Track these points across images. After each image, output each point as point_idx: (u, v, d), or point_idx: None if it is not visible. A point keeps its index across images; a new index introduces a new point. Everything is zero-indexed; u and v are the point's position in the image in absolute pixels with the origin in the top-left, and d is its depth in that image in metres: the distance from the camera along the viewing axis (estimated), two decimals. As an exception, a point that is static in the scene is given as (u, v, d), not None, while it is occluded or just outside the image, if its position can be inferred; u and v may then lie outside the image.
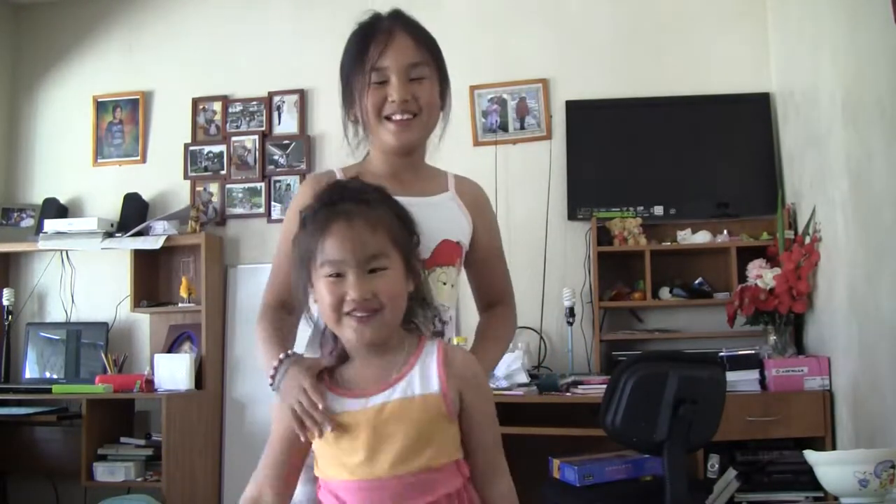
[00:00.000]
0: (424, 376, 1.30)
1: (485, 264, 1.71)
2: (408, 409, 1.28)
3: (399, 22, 1.59)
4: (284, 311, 1.58)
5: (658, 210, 3.88)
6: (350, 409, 1.30)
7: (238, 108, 4.50)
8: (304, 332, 1.59)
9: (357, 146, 1.68)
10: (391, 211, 1.35)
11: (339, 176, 1.60)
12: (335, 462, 1.29)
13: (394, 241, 1.32)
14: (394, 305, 1.30)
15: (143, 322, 4.40)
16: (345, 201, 1.33)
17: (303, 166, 4.34)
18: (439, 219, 1.58)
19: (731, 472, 3.18)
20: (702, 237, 3.77)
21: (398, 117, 1.55)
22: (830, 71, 3.16)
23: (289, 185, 4.37)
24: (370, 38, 1.57)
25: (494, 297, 1.73)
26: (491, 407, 1.36)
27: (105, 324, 4.35)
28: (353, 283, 1.28)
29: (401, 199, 1.47)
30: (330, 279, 1.29)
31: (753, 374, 3.35)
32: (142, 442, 3.92)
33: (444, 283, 1.56)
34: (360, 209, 1.31)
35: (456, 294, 1.61)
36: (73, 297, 4.51)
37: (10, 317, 4.48)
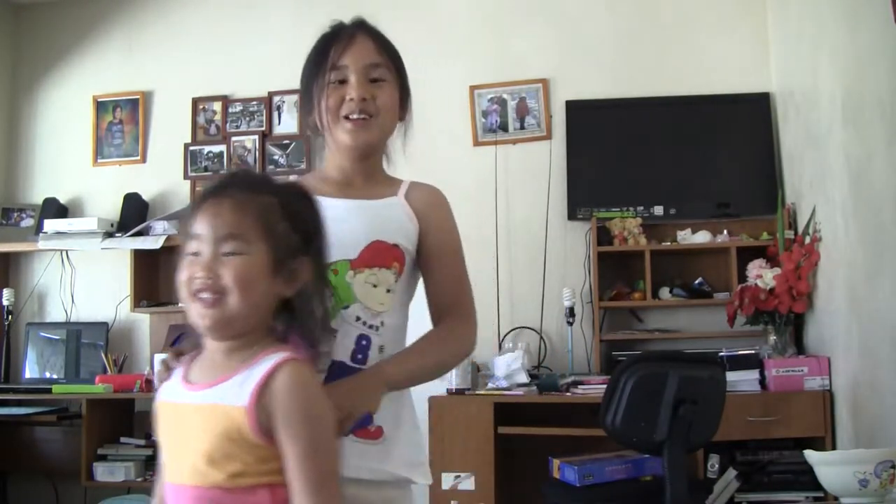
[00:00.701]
0: (241, 387, 1.18)
1: (431, 268, 1.60)
2: (212, 415, 1.18)
3: (362, 28, 1.63)
4: None
5: (658, 210, 3.88)
6: (171, 400, 1.25)
7: (238, 108, 4.50)
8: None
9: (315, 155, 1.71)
10: (280, 203, 1.26)
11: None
12: None
13: (264, 230, 1.22)
14: (243, 295, 1.19)
15: (143, 322, 4.40)
16: (229, 185, 1.26)
17: (303, 166, 4.34)
18: (375, 220, 1.55)
19: (731, 472, 3.18)
20: (702, 237, 3.77)
21: (355, 116, 1.54)
22: (830, 71, 3.16)
23: (289, 185, 4.37)
24: (331, 42, 1.60)
25: (442, 306, 1.60)
26: (302, 447, 1.15)
27: (105, 324, 4.35)
28: (203, 261, 1.20)
29: (339, 201, 1.53)
30: (188, 257, 1.22)
31: (753, 374, 3.35)
32: (142, 442, 3.92)
33: (375, 286, 1.50)
34: (236, 192, 1.24)
35: (394, 300, 1.52)
36: (73, 297, 4.51)
37: (10, 317, 4.48)
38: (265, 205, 1.23)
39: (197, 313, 1.22)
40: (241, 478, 1.15)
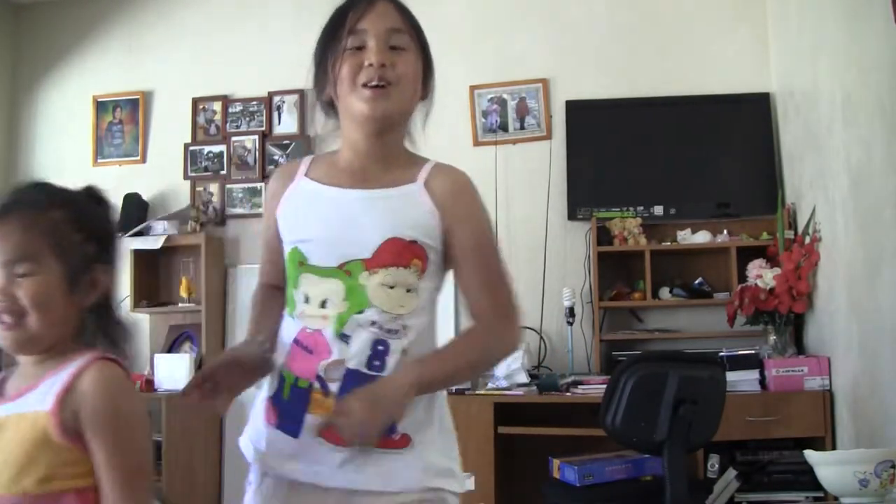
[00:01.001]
0: (47, 392, 1.18)
1: (460, 266, 1.47)
2: (18, 424, 1.18)
3: None
4: (273, 288, 1.55)
5: (658, 210, 3.88)
6: None
7: (238, 108, 4.50)
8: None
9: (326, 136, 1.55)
10: (71, 216, 1.26)
11: (304, 165, 1.51)
12: None
13: (53, 246, 1.21)
14: (41, 315, 1.19)
15: (143, 322, 4.40)
16: (14, 204, 1.25)
17: (303, 166, 4.34)
18: (389, 214, 1.41)
19: (731, 472, 3.18)
20: (702, 237, 3.77)
21: (374, 83, 1.40)
22: (830, 71, 3.16)
23: (289, 185, 4.37)
24: (349, 8, 1.47)
25: (477, 306, 1.46)
26: (109, 445, 1.17)
27: (105, 324, 4.34)
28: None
29: (349, 192, 1.43)
30: None
31: (753, 374, 3.35)
32: (142, 442, 3.91)
33: (392, 287, 1.38)
34: (20, 210, 1.23)
35: (417, 300, 1.41)
36: (73, 297, 4.51)
37: (10, 317, 4.48)
38: (54, 221, 1.23)
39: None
40: (48, 483, 1.15)
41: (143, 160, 4.60)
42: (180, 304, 4.26)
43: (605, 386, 2.73)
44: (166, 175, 4.52)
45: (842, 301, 3.09)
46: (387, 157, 1.47)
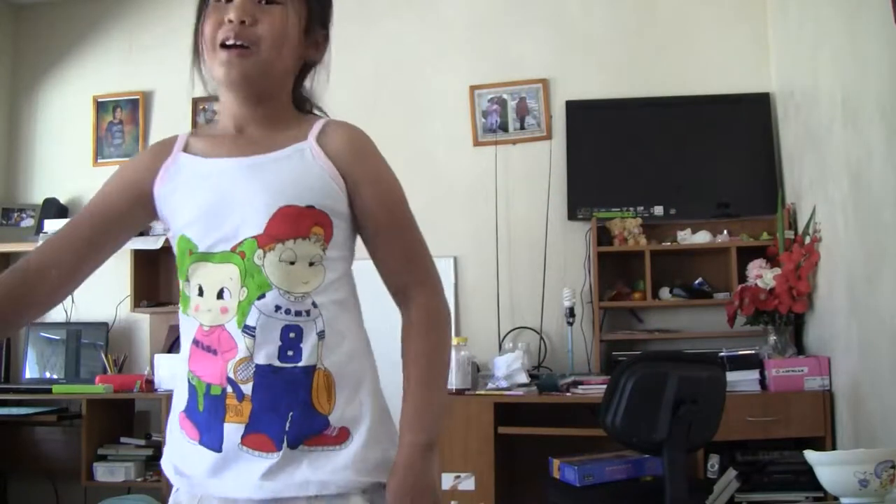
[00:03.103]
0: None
1: (371, 236, 1.30)
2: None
3: None
4: (30, 268, 1.27)
5: (658, 210, 3.88)
6: None
7: (238, 108, 4.49)
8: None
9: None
10: None
11: (180, 142, 1.34)
12: None
13: None
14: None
15: (143, 322, 4.40)
16: None
17: (303, 166, 4.34)
18: (276, 179, 1.24)
19: (731, 472, 3.18)
20: (702, 237, 3.77)
21: (229, 43, 1.25)
22: (830, 71, 3.16)
23: (289, 185, 4.37)
24: None
25: (397, 285, 1.31)
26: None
27: (105, 324, 4.35)
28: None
29: (228, 162, 1.27)
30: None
31: (753, 374, 3.35)
32: (142, 442, 3.92)
33: (293, 263, 1.21)
34: None
35: (324, 273, 1.24)
36: (73, 297, 4.51)
37: (10, 317, 4.48)
38: None
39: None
40: None
41: (143, 160, 4.59)
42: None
43: (605, 386, 2.73)
44: (166, 175, 4.52)
45: (842, 301, 3.09)
46: (269, 120, 1.31)
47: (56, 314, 4.53)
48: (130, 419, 4.16)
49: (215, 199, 1.25)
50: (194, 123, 4.52)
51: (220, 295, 1.23)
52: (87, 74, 4.72)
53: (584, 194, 3.96)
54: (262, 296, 1.21)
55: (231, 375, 1.21)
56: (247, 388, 1.21)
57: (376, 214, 1.29)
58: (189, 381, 1.26)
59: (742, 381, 3.32)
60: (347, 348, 1.26)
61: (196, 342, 1.25)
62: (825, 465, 1.94)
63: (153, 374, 3.99)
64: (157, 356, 4.06)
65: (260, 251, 1.21)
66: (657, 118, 3.98)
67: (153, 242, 4.19)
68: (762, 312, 3.45)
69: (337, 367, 1.24)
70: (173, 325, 4.31)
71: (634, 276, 3.84)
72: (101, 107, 4.68)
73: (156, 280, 4.41)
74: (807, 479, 2.99)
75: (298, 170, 1.26)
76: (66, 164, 4.68)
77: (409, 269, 1.31)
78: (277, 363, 1.21)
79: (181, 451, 1.27)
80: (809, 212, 3.42)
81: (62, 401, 3.97)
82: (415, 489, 1.21)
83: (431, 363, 1.30)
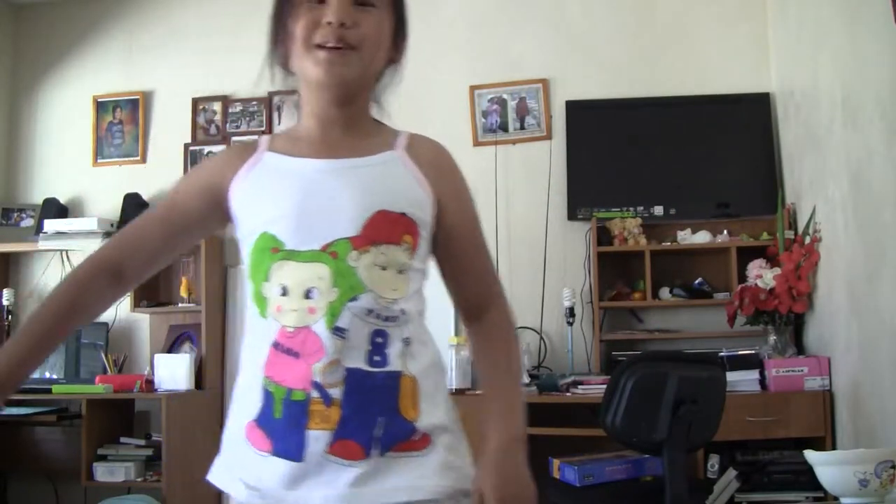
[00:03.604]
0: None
1: (454, 251, 1.31)
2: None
3: None
4: (113, 278, 1.30)
5: (658, 210, 3.88)
6: None
7: (238, 108, 4.50)
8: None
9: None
10: None
11: (263, 143, 1.32)
12: None
13: None
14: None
15: (143, 322, 4.40)
16: None
17: (303, 166, 4.34)
18: (373, 183, 1.24)
19: (731, 472, 3.18)
20: (702, 237, 3.77)
21: (331, 45, 1.22)
22: (830, 71, 3.16)
23: (289, 185, 4.37)
24: None
25: (475, 299, 1.34)
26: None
27: (105, 324, 4.34)
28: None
29: (321, 163, 1.25)
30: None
31: (753, 374, 3.35)
32: (142, 442, 3.92)
33: (384, 269, 1.21)
34: None
35: (408, 282, 1.24)
36: (73, 297, 4.51)
37: (9, 317, 4.48)
38: None
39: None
40: None
41: (143, 160, 4.59)
42: (180, 304, 4.26)
43: (605, 386, 2.73)
44: (166, 175, 4.51)
45: (842, 301, 3.09)
46: (353, 125, 1.30)
47: (56, 314, 4.53)
48: (130, 419, 4.16)
49: (306, 198, 1.23)
50: (194, 123, 4.52)
51: (307, 294, 1.19)
52: (87, 74, 4.72)
53: (583, 194, 3.96)
54: (355, 298, 1.18)
55: (318, 379, 1.17)
56: (335, 393, 1.17)
57: (461, 230, 1.31)
58: (264, 388, 1.20)
59: (742, 381, 3.32)
60: (428, 357, 1.26)
61: (277, 345, 1.20)
62: (825, 465, 1.94)
63: (153, 374, 3.99)
64: (157, 356, 4.06)
65: (354, 253, 1.19)
66: (657, 118, 3.98)
67: (153, 242, 4.19)
68: (762, 312, 3.45)
69: (420, 374, 1.23)
70: (173, 324, 4.31)
71: (634, 276, 3.84)
72: (101, 107, 4.68)
73: (155, 280, 4.41)
74: (807, 479, 2.99)
75: (394, 177, 1.26)
76: (66, 164, 4.67)
77: (487, 284, 1.35)
78: (366, 367, 1.18)
79: (245, 463, 1.22)
80: (809, 212, 3.42)
81: (62, 401, 3.96)
82: (517, 481, 1.21)
83: (515, 366, 1.34)
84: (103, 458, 3.85)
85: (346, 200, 1.21)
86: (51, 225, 4.29)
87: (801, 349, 3.52)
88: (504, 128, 4.19)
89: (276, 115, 4.44)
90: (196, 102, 4.55)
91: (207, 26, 4.60)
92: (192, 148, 4.52)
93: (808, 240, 3.39)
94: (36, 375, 4.30)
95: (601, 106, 4.04)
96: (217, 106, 4.52)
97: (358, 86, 1.29)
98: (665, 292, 3.80)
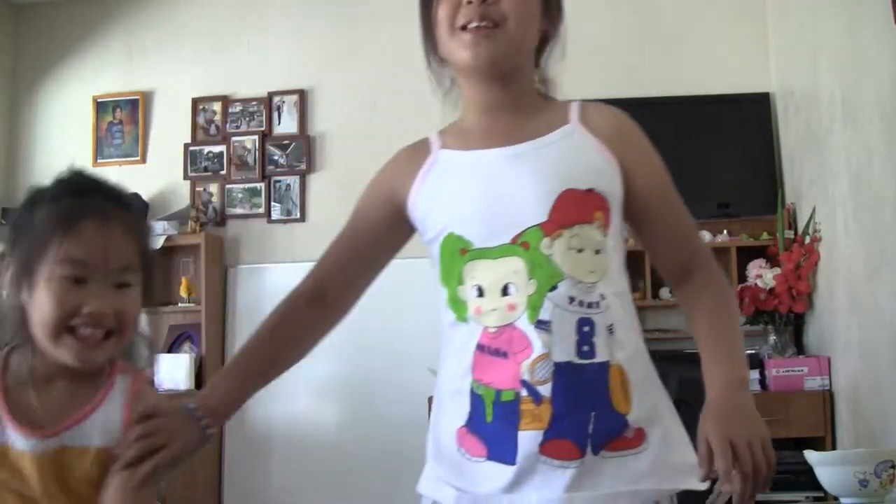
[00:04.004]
0: (107, 421, 1.09)
1: (651, 216, 1.23)
2: (81, 459, 1.07)
3: None
4: (313, 303, 1.31)
5: (658, 210, 3.88)
6: (16, 447, 1.06)
7: (238, 108, 4.49)
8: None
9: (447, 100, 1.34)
10: (142, 223, 1.23)
11: (435, 141, 1.28)
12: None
13: (142, 256, 1.13)
14: (131, 331, 1.14)
15: (143, 322, 4.39)
16: (99, 195, 1.13)
17: (303, 166, 4.34)
18: (555, 162, 1.17)
19: (731, 472, 3.18)
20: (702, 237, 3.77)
21: (474, 24, 1.17)
22: (830, 71, 3.16)
23: (289, 185, 4.37)
24: None
25: (680, 262, 1.25)
26: None
27: (105, 324, 4.34)
28: (97, 293, 1.07)
29: (496, 152, 1.19)
30: (64, 282, 1.06)
31: (753, 374, 3.35)
32: (142, 442, 3.92)
33: (581, 251, 1.13)
34: (117, 210, 1.12)
35: (606, 262, 1.16)
36: (73, 297, 4.51)
37: (10, 317, 4.48)
38: (142, 229, 1.20)
39: (74, 352, 1.08)
40: None
41: (143, 160, 4.59)
42: (180, 304, 4.26)
43: (605, 386, 2.73)
44: (166, 175, 4.52)
45: (842, 301, 3.09)
46: (520, 106, 1.24)
47: (56, 314, 4.53)
48: (130, 419, 4.15)
49: (488, 192, 1.18)
50: (194, 123, 4.52)
51: (504, 291, 1.13)
52: (87, 74, 4.71)
53: (584, 194, 3.95)
54: (555, 287, 1.12)
55: (526, 377, 1.11)
56: (545, 390, 1.11)
57: (653, 194, 1.23)
58: (473, 392, 1.15)
59: (742, 381, 3.31)
60: (635, 343, 1.21)
61: (481, 347, 1.14)
62: (825, 465, 1.94)
63: (153, 374, 3.99)
64: (157, 356, 4.06)
65: (546, 240, 1.13)
66: (657, 118, 3.95)
67: (153, 242, 4.19)
68: (762, 312, 3.45)
69: (628, 362, 1.17)
70: (173, 324, 4.31)
71: (634, 276, 3.81)
72: (101, 107, 4.68)
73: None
74: (807, 479, 2.97)
75: (573, 152, 1.19)
76: (66, 164, 4.66)
77: (688, 245, 1.27)
78: (576, 360, 1.12)
79: (460, 472, 1.17)
80: (809, 212, 3.42)
81: (62, 401, 3.96)
82: (743, 420, 1.11)
83: (733, 315, 1.27)
84: None
85: (529, 186, 1.15)
86: (51, 225, 4.29)
87: (801, 349, 3.52)
88: (504, 128, 4.18)
89: (275, 114, 4.44)
90: (196, 102, 4.54)
91: (207, 26, 4.60)
92: (191, 148, 4.52)
93: (808, 240, 3.39)
94: (36, 375, 4.30)
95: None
96: (217, 106, 4.52)
97: (511, 65, 1.22)
98: (665, 292, 3.79)
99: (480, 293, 1.15)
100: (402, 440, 3.73)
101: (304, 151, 4.37)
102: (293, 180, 4.36)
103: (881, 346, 2.75)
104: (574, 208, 1.14)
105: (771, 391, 3.29)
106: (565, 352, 1.11)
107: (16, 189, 4.75)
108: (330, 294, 1.32)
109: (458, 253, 1.17)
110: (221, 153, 4.48)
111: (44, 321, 1.06)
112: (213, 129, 4.52)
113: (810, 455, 2.02)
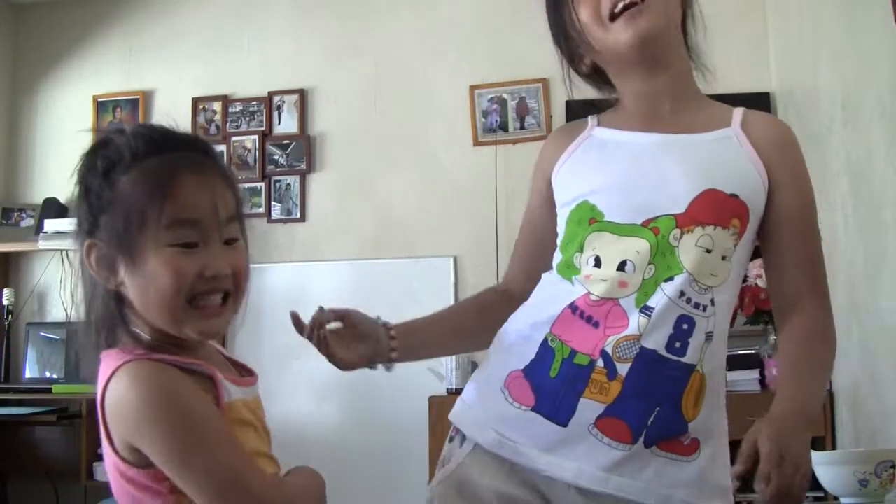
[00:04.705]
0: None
1: (780, 238, 1.21)
2: (260, 401, 1.15)
3: None
4: (503, 294, 1.34)
5: (658, 210, 3.88)
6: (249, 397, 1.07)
7: (238, 108, 4.49)
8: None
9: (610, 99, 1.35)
10: (231, 168, 1.15)
11: (593, 120, 1.31)
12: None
13: (239, 206, 1.06)
14: (244, 291, 1.05)
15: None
16: (183, 146, 1.01)
17: (303, 166, 4.34)
18: (704, 161, 1.17)
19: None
20: (702, 237, 3.77)
21: (620, 7, 1.18)
22: (830, 71, 3.16)
23: (289, 184, 4.37)
24: None
25: (790, 291, 1.23)
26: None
27: (105, 324, 4.34)
28: (213, 254, 0.97)
29: (649, 136, 1.21)
30: (176, 248, 0.96)
31: (753, 374, 3.35)
32: (142, 442, 3.92)
33: (709, 252, 1.13)
34: (208, 159, 1.03)
35: (729, 270, 1.16)
36: (73, 296, 4.48)
37: (10, 317, 4.48)
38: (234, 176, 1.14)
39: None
40: None
41: (143, 160, 4.60)
42: None
43: (605, 386, 2.73)
44: (166, 175, 4.52)
45: (842, 301, 3.08)
46: (679, 95, 1.25)
47: (56, 314, 4.53)
48: (130, 419, 4.15)
49: (633, 171, 1.19)
50: (194, 123, 4.52)
51: (621, 267, 1.15)
52: (87, 74, 4.72)
53: (584, 194, 3.95)
54: (671, 278, 1.13)
55: (608, 350, 1.12)
56: (622, 369, 1.12)
57: (792, 215, 1.21)
58: (547, 342, 1.17)
59: (742, 380, 3.32)
60: (722, 356, 1.20)
61: (574, 308, 1.16)
62: (825, 465, 1.94)
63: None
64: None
65: (677, 231, 1.13)
66: (657, 118, 3.98)
67: (153, 242, 4.20)
68: (762, 312, 3.45)
69: (712, 373, 1.16)
70: (173, 325, 4.31)
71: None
72: (101, 107, 4.68)
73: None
74: (807, 479, 2.98)
75: (728, 155, 1.18)
76: (66, 164, 4.62)
77: (806, 277, 1.24)
78: (663, 352, 1.12)
79: (503, 414, 1.18)
80: (809, 212, 3.42)
81: (62, 401, 3.97)
82: (800, 444, 1.10)
83: (821, 355, 1.20)
84: (103, 458, 3.85)
85: (675, 176, 1.16)
86: (51, 225, 4.30)
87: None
88: (504, 127, 4.18)
89: (275, 114, 4.44)
90: (196, 102, 4.55)
91: (207, 26, 4.60)
92: (192, 148, 4.52)
93: (808, 240, 3.38)
94: (36, 375, 4.31)
95: (601, 106, 4.03)
96: (217, 106, 4.52)
97: (665, 41, 1.22)
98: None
99: (597, 263, 1.16)
100: (402, 440, 3.73)
101: (304, 151, 4.37)
102: (293, 180, 4.36)
103: (881, 346, 2.74)
104: (713, 208, 1.14)
105: (771, 391, 3.28)
106: (655, 341, 1.12)
107: (16, 189, 4.75)
108: (513, 288, 1.35)
109: (586, 221, 1.18)
110: (221, 153, 4.48)
111: (163, 296, 0.96)
112: (213, 129, 4.52)
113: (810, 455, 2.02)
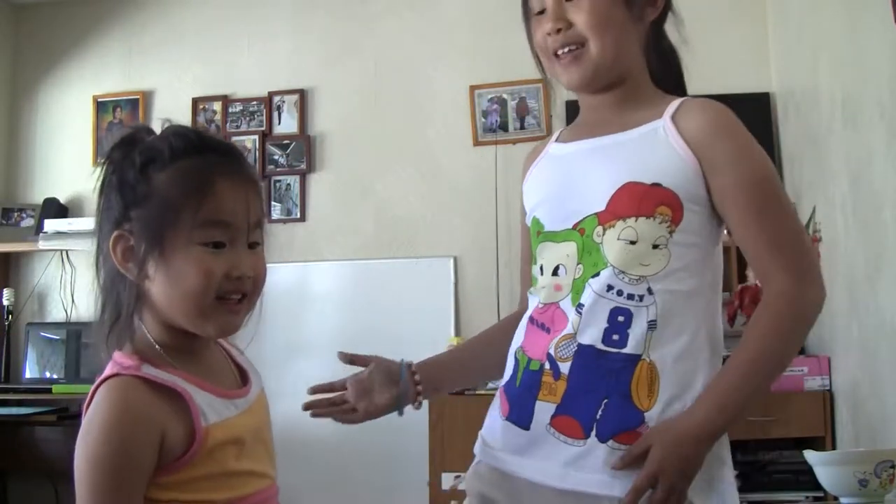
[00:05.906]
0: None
1: (730, 220, 1.20)
2: (262, 404, 1.18)
3: None
4: (519, 318, 1.35)
5: (658, 210, 3.88)
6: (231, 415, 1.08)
7: (238, 108, 4.50)
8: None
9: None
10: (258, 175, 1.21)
11: (554, 135, 1.42)
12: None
13: (263, 211, 1.09)
14: (260, 292, 1.09)
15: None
16: (218, 150, 1.06)
17: (303, 166, 4.34)
18: (625, 157, 1.20)
19: (731, 472, 3.18)
20: (702, 237, 3.77)
21: (561, 52, 1.26)
22: (830, 71, 3.16)
23: (289, 184, 4.37)
24: None
25: (761, 269, 1.21)
26: None
27: (105, 324, 4.34)
28: (239, 255, 1.02)
29: (582, 143, 1.28)
30: (207, 248, 1.00)
31: (753, 374, 3.34)
32: (142, 442, 3.92)
33: (633, 243, 1.15)
34: (240, 164, 1.07)
35: (668, 257, 1.16)
36: (73, 297, 4.51)
37: (10, 317, 4.48)
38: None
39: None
40: None
41: (143, 160, 4.60)
42: None
43: (605, 386, 2.73)
44: (166, 175, 4.52)
45: (842, 301, 3.09)
46: (624, 101, 1.28)
47: (56, 314, 4.53)
48: (130, 419, 4.15)
49: (565, 180, 1.27)
50: (194, 123, 4.51)
51: (555, 272, 1.22)
52: (87, 74, 4.72)
53: (584, 194, 3.95)
54: (597, 274, 1.17)
55: (552, 352, 1.19)
56: (564, 367, 1.17)
57: (734, 196, 1.18)
58: (515, 357, 1.28)
59: (742, 380, 3.31)
60: (682, 344, 1.17)
61: (532, 319, 1.26)
62: (825, 465, 1.94)
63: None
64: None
65: (599, 228, 1.18)
66: (657, 118, 3.98)
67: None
68: (762, 312, 3.45)
69: (664, 361, 1.15)
70: (173, 325, 4.31)
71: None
72: (101, 107, 4.68)
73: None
74: (807, 479, 2.98)
75: (647, 147, 1.20)
76: (66, 164, 4.68)
77: (772, 255, 1.19)
78: (601, 346, 1.15)
79: (491, 425, 1.31)
80: (809, 212, 3.42)
81: (62, 401, 3.97)
82: (687, 465, 1.09)
83: (762, 350, 1.18)
84: (103, 458, 3.86)
85: (597, 177, 1.21)
86: (51, 225, 4.29)
87: (801, 349, 3.52)
88: (504, 128, 4.18)
89: (275, 114, 4.44)
90: (196, 102, 4.55)
91: (207, 26, 4.60)
92: (192, 148, 4.52)
93: (808, 240, 3.39)
94: (36, 375, 4.31)
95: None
96: (217, 106, 4.52)
97: (609, 77, 1.27)
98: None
99: (542, 271, 1.26)
100: (402, 440, 3.72)
101: (303, 151, 4.37)
102: (293, 180, 4.36)
103: (881, 346, 2.74)
104: (632, 200, 1.17)
105: (771, 391, 3.28)
106: (591, 336, 1.16)
107: (16, 189, 4.75)
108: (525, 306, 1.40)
109: (535, 234, 1.29)
110: (221, 153, 4.48)
111: (191, 294, 0.99)
112: (213, 129, 4.52)
113: (810, 455, 2.02)
